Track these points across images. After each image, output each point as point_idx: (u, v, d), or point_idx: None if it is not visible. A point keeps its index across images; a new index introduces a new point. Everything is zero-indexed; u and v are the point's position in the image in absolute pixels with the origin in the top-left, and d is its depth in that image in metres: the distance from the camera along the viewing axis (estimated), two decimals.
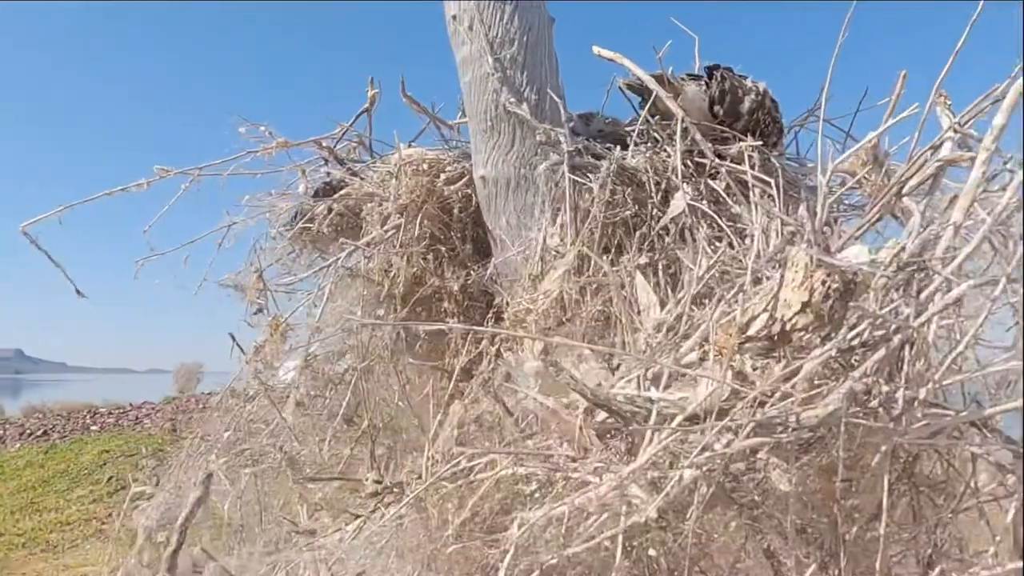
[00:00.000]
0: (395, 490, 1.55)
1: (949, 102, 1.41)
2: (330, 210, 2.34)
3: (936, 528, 1.38)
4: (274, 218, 2.43)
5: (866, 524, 1.24)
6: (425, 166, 2.29)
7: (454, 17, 2.11)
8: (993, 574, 1.14)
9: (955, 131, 1.34)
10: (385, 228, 2.13)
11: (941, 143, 1.36)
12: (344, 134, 2.61)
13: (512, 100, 2.02)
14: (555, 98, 2.01)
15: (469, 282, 2.19)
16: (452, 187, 2.23)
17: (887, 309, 1.15)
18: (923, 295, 1.21)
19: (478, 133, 2.12)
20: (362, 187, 2.34)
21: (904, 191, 1.37)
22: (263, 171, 2.52)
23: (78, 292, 2.14)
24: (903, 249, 1.25)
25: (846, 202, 2.22)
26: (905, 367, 1.14)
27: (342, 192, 2.39)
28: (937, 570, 1.22)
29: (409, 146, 2.47)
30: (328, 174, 2.54)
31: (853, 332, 1.14)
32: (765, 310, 1.30)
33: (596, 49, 2.16)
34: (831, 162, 1.36)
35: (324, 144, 2.58)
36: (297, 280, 2.33)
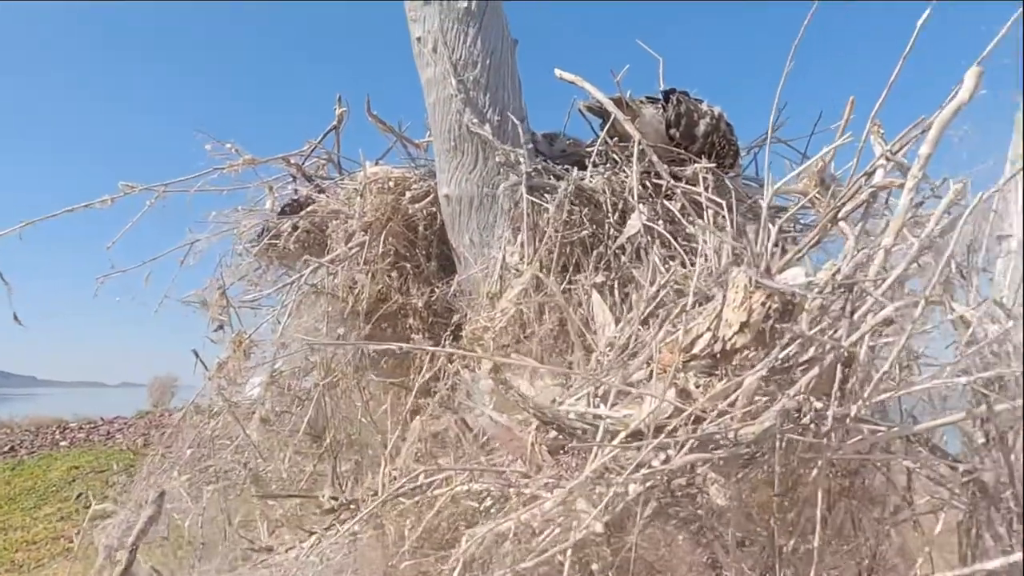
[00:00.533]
0: (351, 507, 1.57)
1: (882, 131, 1.47)
2: (296, 227, 2.36)
3: (875, 539, 1.43)
4: (240, 235, 2.44)
5: (807, 536, 1.28)
6: (391, 184, 2.32)
7: (419, 39, 2.15)
8: None
9: (887, 159, 1.40)
10: (349, 245, 2.16)
11: (874, 170, 1.42)
12: (312, 151, 2.64)
13: (475, 121, 2.06)
14: (514, 120, 2.05)
15: (433, 299, 2.22)
16: (417, 205, 2.27)
17: (816, 329, 1.20)
18: (856, 315, 1.26)
19: (442, 152, 2.16)
20: (328, 204, 2.36)
21: (840, 215, 1.42)
22: (230, 188, 2.53)
23: (15, 318, 2.13)
24: (838, 271, 1.31)
25: (803, 222, 2.30)
26: (835, 385, 1.18)
27: (308, 209, 2.41)
28: None
29: (376, 164, 2.51)
30: (296, 191, 2.56)
31: (784, 351, 1.18)
32: (709, 329, 1.34)
33: (558, 72, 2.21)
34: (771, 187, 1.41)
35: (292, 161, 2.60)
36: (262, 296, 2.35)
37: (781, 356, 1.24)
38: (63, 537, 6.20)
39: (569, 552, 1.29)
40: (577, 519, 1.28)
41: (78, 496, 7.32)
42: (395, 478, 1.56)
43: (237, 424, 2.30)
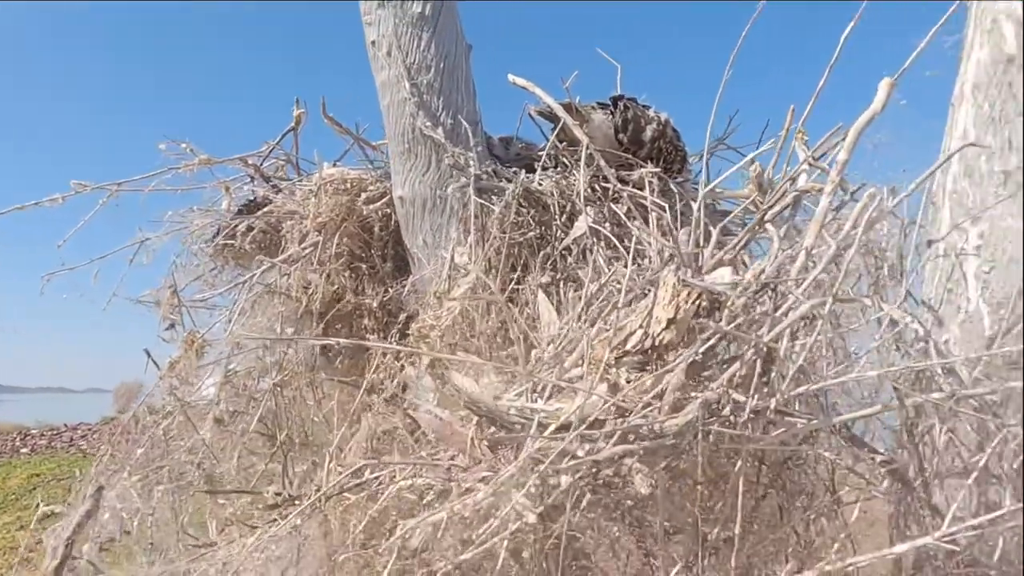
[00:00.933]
0: (296, 502, 1.59)
1: (806, 138, 1.54)
2: (251, 227, 2.37)
3: (803, 528, 1.49)
4: (196, 235, 2.45)
5: (732, 525, 1.34)
6: (347, 185, 2.34)
7: (373, 43, 2.18)
8: (835, 567, 1.25)
9: (810, 164, 1.47)
10: (303, 245, 2.18)
11: (798, 175, 1.49)
12: (270, 152, 2.65)
13: (428, 124, 2.10)
14: (466, 124, 2.09)
15: (388, 299, 2.25)
16: (373, 206, 2.29)
17: (733, 324, 1.25)
18: (779, 312, 1.32)
19: (396, 155, 2.19)
20: (284, 205, 2.38)
21: (767, 218, 1.49)
22: (185, 187, 2.53)
23: None
24: (763, 271, 1.37)
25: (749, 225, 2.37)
26: (755, 379, 1.24)
27: (264, 210, 2.43)
28: (790, 564, 1.32)
29: (334, 165, 2.53)
30: (252, 192, 2.58)
31: (706, 346, 1.23)
32: (640, 327, 1.39)
33: (511, 77, 2.25)
34: (703, 190, 1.47)
35: (250, 162, 2.61)
36: (215, 295, 2.35)
37: (707, 352, 1.30)
38: (22, 546, 6.05)
39: (505, 542, 1.34)
40: (512, 510, 1.32)
41: (37, 505, 7.16)
42: (340, 473, 1.58)
43: (190, 424, 2.30)
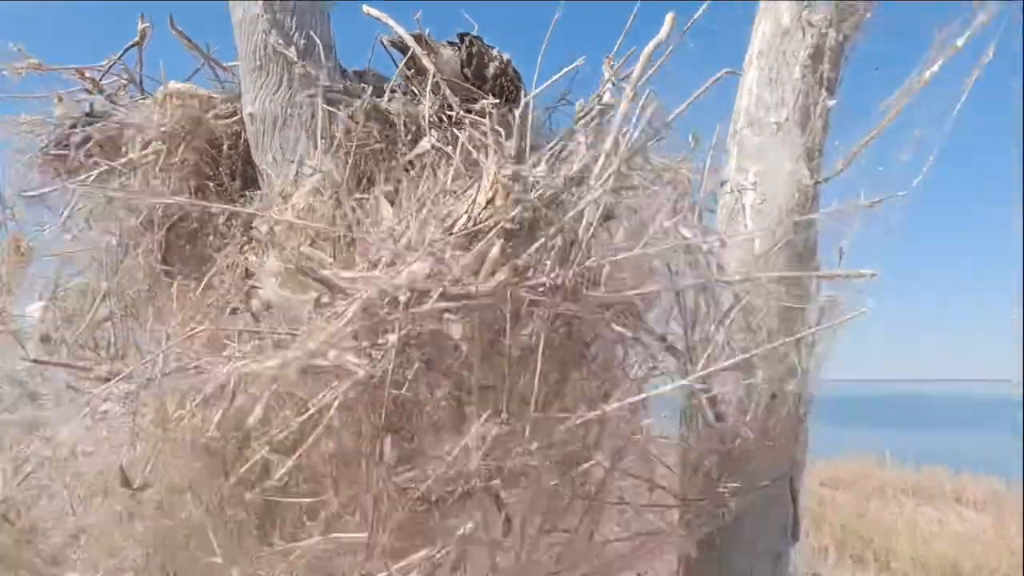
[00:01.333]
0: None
1: (613, 62, 1.83)
2: (88, 138, 2.29)
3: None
4: (22, 143, 2.32)
5: (539, 383, 1.56)
6: (196, 102, 2.33)
7: None
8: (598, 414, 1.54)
9: (612, 83, 1.75)
10: (144, 152, 2.15)
11: (604, 92, 1.76)
12: (111, 67, 2.56)
13: (280, 42, 2.15)
14: (318, 41, 2.17)
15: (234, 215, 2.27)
16: (222, 122, 2.30)
17: (536, 195, 1.48)
18: (581, 202, 1.58)
19: (247, 72, 2.22)
20: (126, 117, 2.32)
21: (578, 128, 1.75)
22: (13, 96, 2.39)
23: None
24: (571, 167, 1.61)
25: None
26: (553, 253, 1.48)
27: (104, 123, 2.35)
28: (580, 409, 1.57)
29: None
30: (90, 105, 2.48)
31: (513, 212, 1.45)
32: (466, 212, 1.59)
33: (365, 8, 2.37)
34: (525, 98, 1.70)
35: (87, 75, 2.51)
36: (43, 192, 2.24)
37: (520, 231, 1.51)
38: None
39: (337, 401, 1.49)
40: (343, 368, 1.46)
41: None
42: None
43: (12, 340, 2.19)
